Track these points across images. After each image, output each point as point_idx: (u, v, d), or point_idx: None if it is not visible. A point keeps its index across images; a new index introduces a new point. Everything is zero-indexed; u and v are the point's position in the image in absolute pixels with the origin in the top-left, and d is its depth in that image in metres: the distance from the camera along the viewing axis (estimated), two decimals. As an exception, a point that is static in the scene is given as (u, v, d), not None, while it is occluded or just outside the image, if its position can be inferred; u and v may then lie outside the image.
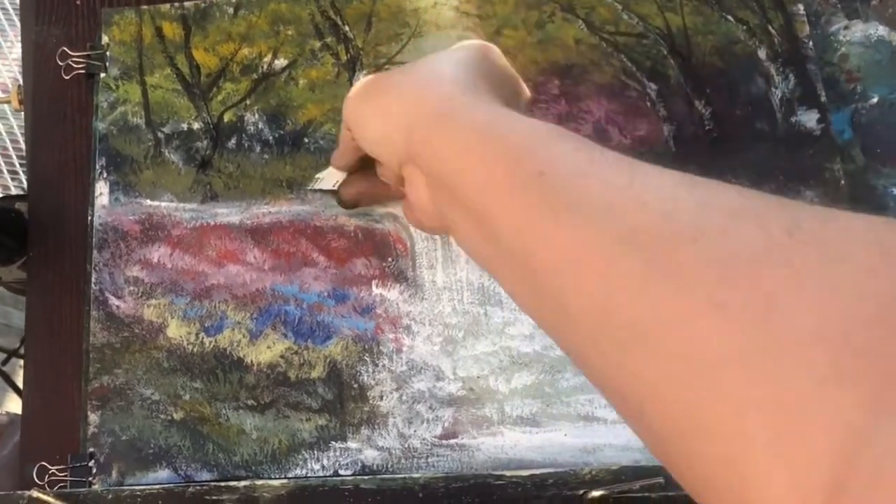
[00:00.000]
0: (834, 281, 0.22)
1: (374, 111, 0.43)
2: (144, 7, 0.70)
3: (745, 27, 0.65)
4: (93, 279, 0.64)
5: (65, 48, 0.70)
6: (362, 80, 0.46)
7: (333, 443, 0.58)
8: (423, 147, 0.38)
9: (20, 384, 0.65)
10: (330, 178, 0.57)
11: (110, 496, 0.54)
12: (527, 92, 0.46)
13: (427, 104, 0.39)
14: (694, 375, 0.24)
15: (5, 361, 1.01)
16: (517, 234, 0.32)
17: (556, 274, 0.30)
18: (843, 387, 0.21)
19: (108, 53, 0.69)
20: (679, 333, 0.25)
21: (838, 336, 0.21)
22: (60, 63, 0.70)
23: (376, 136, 0.43)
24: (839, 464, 0.20)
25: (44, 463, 0.61)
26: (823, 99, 0.63)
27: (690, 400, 0.24)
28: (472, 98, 0.39)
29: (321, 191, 0.63)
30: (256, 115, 0.67)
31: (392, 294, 0.61)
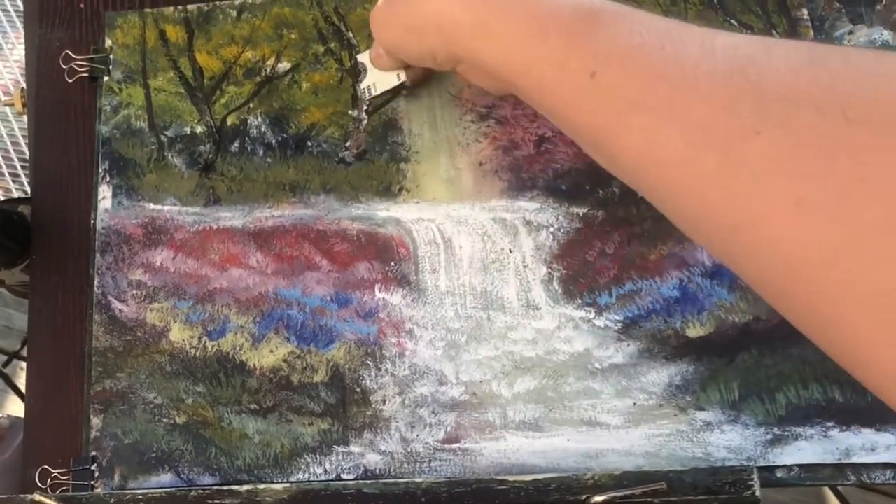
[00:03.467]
0: (893, 169, 0.24)
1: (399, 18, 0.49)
2: (148, 10, 0.70)
3: (748, 32, 0.65)
4: (95, 283, 0.64)
5: (68, 51, 0.70)
6: None
7: (336, 447, 0.58)
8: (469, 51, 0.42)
9: (21, 387, 0.65)
10: (385, 79, 0.60)
11: (112, 500, 0.54)
12: None
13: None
14: (786, 272, 0.27)
15: (6, 364, 1.01)
16: (589, 137, 0.34)
17: (637, 174, 0.32)
18: None
19: (111, 57, 0.69)
20: (765, 232, 0.27)
21: None
22: (64, 66, 0.70)
23: (401, 40, 0.50)
24: None
25: (46, 466, 0.61)
26: (827, 104, 0.62)
27: (789, 294, 0.27)
28: None
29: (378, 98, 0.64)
30: (259, 119, 0.67)
31: (395, 298, 0.61)
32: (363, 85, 0.61)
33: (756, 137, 0.27)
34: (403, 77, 0.61)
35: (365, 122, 0.65)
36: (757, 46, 0.30)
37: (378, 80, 0.60)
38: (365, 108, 0.65)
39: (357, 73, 0.66)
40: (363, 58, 0.61)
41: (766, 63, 0.29)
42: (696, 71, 0.30)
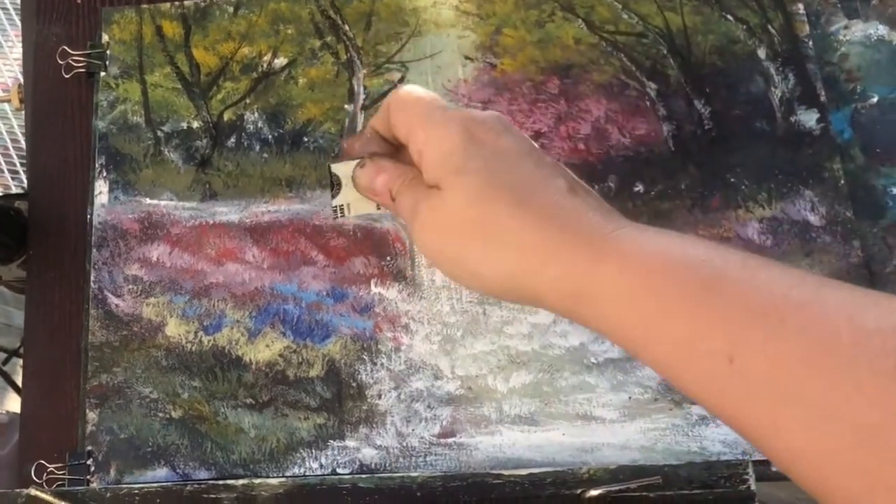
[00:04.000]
0: None
1: (486, 249, 0.34)
2: (144, 6, 0.70)
3: (744, 27, 0.65)
4: (92, 278, 0.64)
5: (65, 47, 0.70)
6: (427, 215, 0.36)
7: (332, 441, 0.58)
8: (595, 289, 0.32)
9: (21, 384, 0.65)
10: (363, 202, 0.44)
11: (108, 494, 0.54)
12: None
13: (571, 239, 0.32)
14: None
15: (6, 361, 1.01)
16: (732, 424, 0.30)
17: (794, 470, 0.28)
18: None
19: (108, 52, 0.69)
20: None
21: None
22: (61, 62, 0.70)
23: (497, 274, 0.34)
24: None
25: (42, 461, 0.61)
26: (823, 98, 0.62)
27: None
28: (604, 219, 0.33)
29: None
30: (256, 114, 0.67)
31: (391, 293, 0.61)
32: (336, 202, 0.45)
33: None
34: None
35: (361, 117, 0.66)
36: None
37: (354, 200, 0.44)
38: (361, 103, 0.65)
39: (354, 65, 0.66)
40: (339, 169, 0.43)
41: None
42: (852, 361, 0.25)
